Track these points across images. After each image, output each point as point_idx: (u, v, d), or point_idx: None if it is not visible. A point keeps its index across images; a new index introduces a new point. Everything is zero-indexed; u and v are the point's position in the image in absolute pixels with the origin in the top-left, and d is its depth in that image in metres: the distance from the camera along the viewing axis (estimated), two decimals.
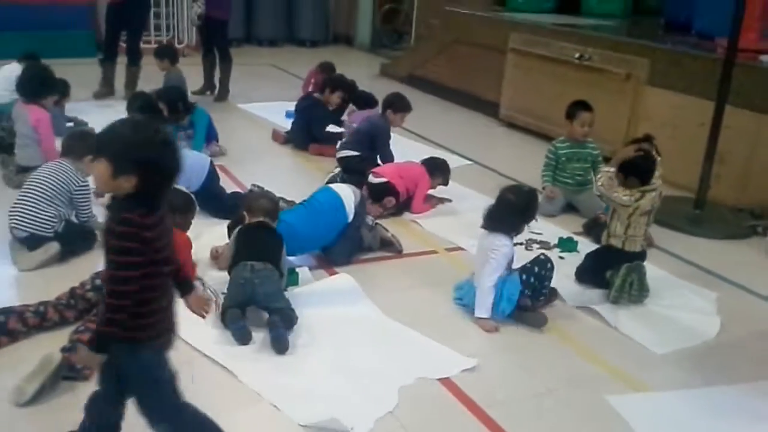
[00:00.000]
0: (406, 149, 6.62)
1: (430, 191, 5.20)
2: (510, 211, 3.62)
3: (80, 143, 4.04)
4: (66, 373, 2.80)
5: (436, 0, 10.30)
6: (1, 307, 3.10)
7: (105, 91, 7.72)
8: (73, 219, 4.05)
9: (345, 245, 4.06)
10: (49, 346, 2.92)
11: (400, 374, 3.04)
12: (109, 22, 7.80)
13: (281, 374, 2.98)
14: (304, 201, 3.99)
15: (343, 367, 3.07)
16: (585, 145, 5.48)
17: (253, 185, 4.92)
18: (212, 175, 4.61)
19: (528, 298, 3.61)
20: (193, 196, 4.12)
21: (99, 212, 4.05)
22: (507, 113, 7.98)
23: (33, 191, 3.92)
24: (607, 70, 6.69)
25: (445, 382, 3.07)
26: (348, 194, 4.04)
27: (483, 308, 3.53)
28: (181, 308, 3.30)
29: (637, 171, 4.00)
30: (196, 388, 2.84)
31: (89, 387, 2.76)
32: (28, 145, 4.89)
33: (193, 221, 3.85)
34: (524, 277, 3.61)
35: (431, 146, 6.90)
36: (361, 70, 10.66)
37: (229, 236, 3.80)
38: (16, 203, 3.94)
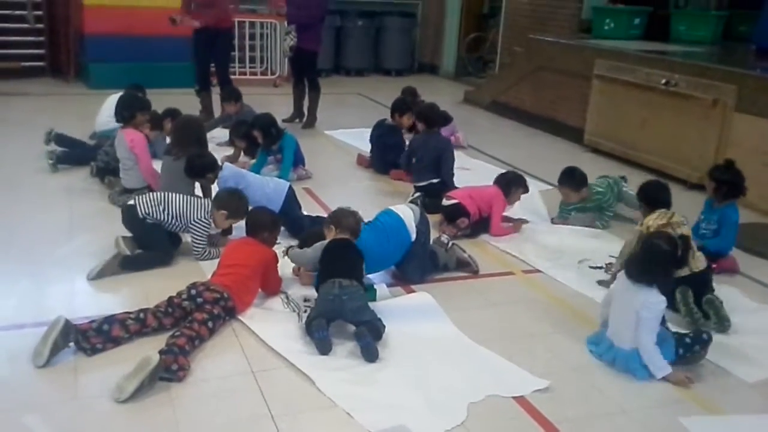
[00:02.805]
0: (489, 174, 6.72)
1: (508, 212, 5.28)
2: (662, 261, 3.38)
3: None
4: (162, 374, 3.03)
5: (521, 28, 10.43)
6: (105, 316, 3.37)
7: (205, 117, 8.12)
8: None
9: (415, 263, 4.18)
10: (149, 349, 3.16)
11: (472, 391, 3.12)
12: (196, 53, 8.32)
13: (355, 384, 3.12)
14: (369, 222, 4.14)
15: (415, 380, 3.17)
16: (584, 206, 5.46)
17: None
18: (290, 200, 4.84)
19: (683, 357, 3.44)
20: None
21: None
22: (592, 139, 7.96)
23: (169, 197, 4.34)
24: (694, 96, 6.61)
25: (518, 397, 3.14)
26: (408, 214, 4.16)
27: (659, 368, 3.31)
28: (266, 323, 3.58)
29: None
30: (277, 392, 3.05)
31: (183, 387, 3.03)
32: (129, 168, 5.27)
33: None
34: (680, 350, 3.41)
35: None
36: (445, 97, 10.83)
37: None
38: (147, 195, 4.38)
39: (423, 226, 4.20)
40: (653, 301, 3.32)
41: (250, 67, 11.17)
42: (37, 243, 4.50)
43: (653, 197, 4.37)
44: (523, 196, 5.40)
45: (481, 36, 12.93)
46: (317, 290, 3.61)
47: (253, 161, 6.24)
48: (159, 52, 9.89)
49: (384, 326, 3.46)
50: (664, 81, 6.86)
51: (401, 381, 3.17)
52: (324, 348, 3.34)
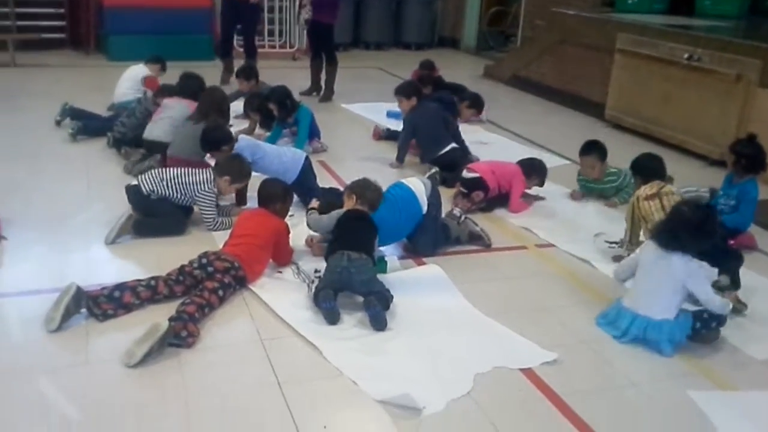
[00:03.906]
0: (506, 149, 6.68)
1: (525, 191, 5.24)
2: (686, 227, 3.35)
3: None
4: (171, 340, 3.07)
5: (544, 1, 10.27)
6: (117, 283, 3.41)
7: (226, 77, 8.37)
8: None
9: (426, 236, 4.17)
10: (159, 316, 3.20)
11: (479, 362, 3.12)
12: (224, 19, 8.53)
13: (362, 354, 3.13)
14: (383, 193, 4.11)
15: (422, 350, 3.18)
16: (601, 182, 5.38)
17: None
18: (306, 170, 4.85)
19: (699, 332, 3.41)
20: None
21: None
22: (613, 114, 7.85)
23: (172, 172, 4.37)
24: (717, 71, 6.49)
25: (525, 369, 3.13)
26: (419, 187, 4.14)
27: (721, 307, 3.35)
28: (276, 292, 3.60)
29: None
30: (284, 360, 3.07)
31: (192, 353, 3.06)
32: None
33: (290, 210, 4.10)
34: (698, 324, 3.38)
35: (529, 146, 6.90)
36: (465, 71, 10.75)
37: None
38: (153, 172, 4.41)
39: (434, 199, 4.18)
40: (693, 267, 3.32)
41: (269, 41, 11.13)
42: (54, 211, 4.55)
43: (645, 168, 4.35)
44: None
45: (503, 9, 12.78)
46: (327, 261, 3.61)
47: (269, 134, 6.24)
48: (178, 24, 9.92)
49: (392, 296, 3.46)
50: (686, 55, 6.74)
51: (408, 351, 3.18)
52: (332, 318, 3.35)
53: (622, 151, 6.61)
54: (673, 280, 3.34)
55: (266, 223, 3.85)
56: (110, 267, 3.88)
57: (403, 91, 6.02)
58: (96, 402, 2.75)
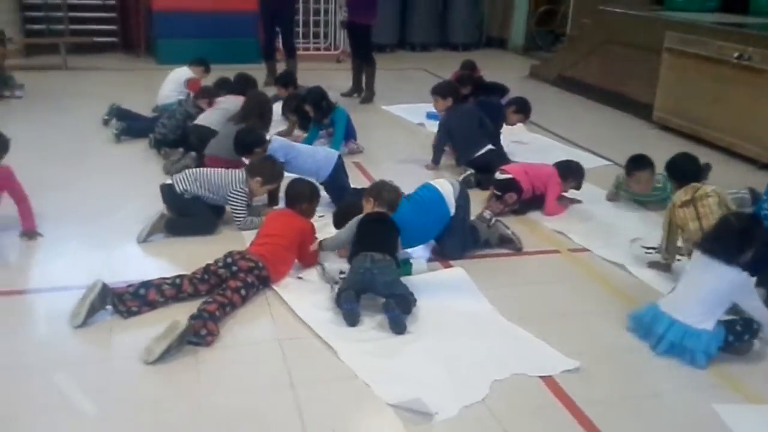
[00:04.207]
0: (545, 149, 6.57)
1: (562, 194, 5.14)
2: (732, 237, 3.29)
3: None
4: (191, 338, 3.10)
5: (593, 0, 10.06)
6: (142, 281, 3.47)
7: (270, 80, 8.46)
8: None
9: (454, 238, 4.12)
10: (183, 314, 3.23)
11: (497, 368, 3.06)
12: (264, 21, 8.72)
13: (378, 357, 3.12)
14: (408, 195, 4.09)
15: (440, 355, 3.14)
16: (647, 195, 5.16)
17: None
18: (339, 169, 4.86)
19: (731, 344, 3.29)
20: (320, 186, 4.52)
21: None
22: (660, 115, 7.64)
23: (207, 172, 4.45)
24: None
25: (545, 377, 3.06)
26: (447, 188, 4.09)
27: None
28: (298, 293, 3.61)
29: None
30: (300, 361, 3.07)
31: (210, 352, 3.09)
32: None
33: (318, 210, 4.11)
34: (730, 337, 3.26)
35: (570, 146, 6.78)
36: (511, 72, 10.61)
37: (336, 222, 4.02)
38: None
39: (463, 201, 4.13)
40: (742, 279, 3.22)
41: (313, 43, 11.21)
42: (92, 209, 4.66)
43: (680, 170, 4.17)
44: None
45: (553, 8, 12.59)
46: (350, 263, 3.60)
47: (306, 135, 6.28)
48: (225, 27, 10.05)
49: (415, 300, 3.44)
50: (736, 55, 6.50)
51: (425, 355, 3.14)
52: (351, 319, 3.34)
53: (669, 154, 6.45)
54: (718, 290, 3.24)
55: (292, 223, 3.87)
56: (140, 265, 3.94)
57: (439, 91, 5.96)
58: (113, 398, 2.80)
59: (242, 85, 6.23)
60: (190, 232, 4.31)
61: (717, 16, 8.19)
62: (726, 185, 5.46)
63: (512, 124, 6.38)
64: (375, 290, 3.48)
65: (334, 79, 8.66)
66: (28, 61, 9.57)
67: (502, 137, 6.13)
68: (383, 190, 3.84)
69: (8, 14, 9.74)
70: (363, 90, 8.41)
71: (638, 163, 5.05)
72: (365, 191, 3.94)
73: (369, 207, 3.81)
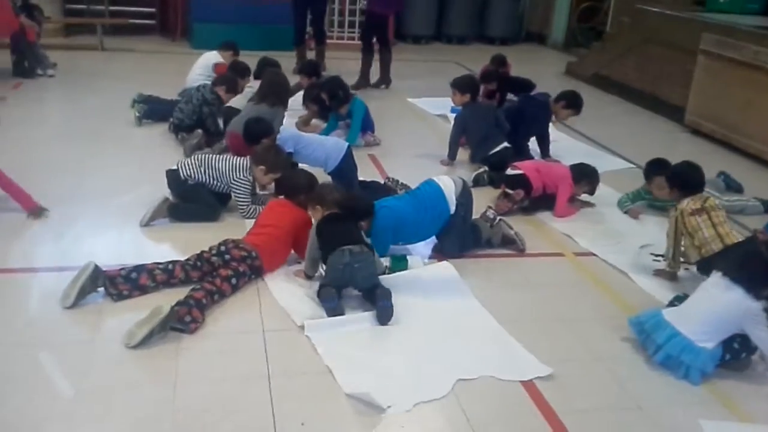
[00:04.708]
0: (569, 148, 6.45)
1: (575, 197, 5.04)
2: (758, 268, 3.19)
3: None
4: (175, 324, 3.13)
5: None
6: (135, 265, 3.51)
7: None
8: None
9: (452, 236, 4.06)
10: (173, 300, 3.25)
11: (465, 368, 3.02)
12: (295, 7, 8.74)
13: (350, 347, 3.11)
14: (410, 190, 4.05)
15: (412, 349, 3.12)
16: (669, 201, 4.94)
17: (388, 178, 5.06)
18: (347, 159, 4.85)
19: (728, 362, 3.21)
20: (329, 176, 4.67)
21: None
22: (692, 119, 7.44)
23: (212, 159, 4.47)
24: None
25: (526, 383, 3.00)
26: (449, 185, 4.03)
27: None
28: (287, 284, 3.61)
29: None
30: (280, 353, 3.08)
31: (193, 339, 3.11)
32: None
33: None
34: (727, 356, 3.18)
35: (594, 147, 6.65)
36: (548, 68, 10.48)
37: None
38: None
39: (464, 199, 4.07)
40: (756, 309, 3.11)
41: (348, 32, 11.17)
42: (102, 191, 4.74)
43: (685, 180, 4.03)
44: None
45: (595, 5, 12.32)
46: (326, 262, 3.50)
47: (324, 125, 6.28)
48: (261, 14, 10.08)
49: (390, 293, 3.41)
50: None
51: (398, 348, 3.14)
52: (335, 316, 3.32)
53: (699, 159, 6.25)
54: (730, 315, 3.14)
55: (288, 214, 3.87)
56: (140, 248, 3.98)
57: (458, 85, 5.86)
58: (90, 380, 2.83)
59: (263, 69, 6.33)
60: (192, 218, 4.34)
61: (758, 20, 7.91)
62: (754, 193, 5.37)
63: (563, 119, 6.15)
64: (355, 284, 3.44)
65: (355, 70, 8.59)
66: (66, 40, 9.77)
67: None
68: (325, 194, 3.77)
69: None
70: (369, 83, 8.35)
71: (657, 167, 4.90)
72: (309, 201, 3.83)
73: (318, 215, 3.74)
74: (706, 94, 7.25)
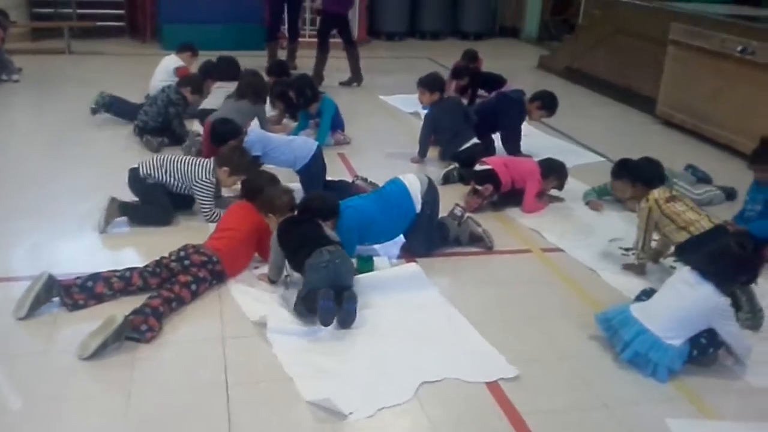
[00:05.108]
0: (541, 141, 6.41)
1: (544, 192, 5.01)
2: (729, 263, 3.14)
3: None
4: (130, 333, 3.04)
5: None
6: (91, 273, 3.41)
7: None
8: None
9: (420, 236, 4.01)
10: (131, 308, 3.17)
11: (429, 371, 2.96)
12: (272, 3, 8.71)
13: (312, 352, 3.04)
14: (376, 190, 4.00)
15: (374, 352, 3.06)
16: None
17: (356, 176, 5.00)
18: (316, 159, 4.77)
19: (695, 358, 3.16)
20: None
21: None
22: (664, 110, 7.44)
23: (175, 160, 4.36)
24: None
25: (490, 384, 2.95)
26: (414, 184, 3.97)
27: (745, 351, 3.18)
28: (250, 289, 3.53)
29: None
30: (240, 361, 3.01)
31: (149, 348, 3.03)
32: None
33: None
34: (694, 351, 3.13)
35: (566, 140, 6.63)
36: (521, 62, 10.45)
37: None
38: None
39: (430, 198, 4.01)
40: (725, 305, 3.08)
41: (310, 29, 11.05)
42: (62, 197, 4.64)
43: (649, 175, 4.06)
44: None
45: None
46: (300, 269, 3.41)
47: (295, 124, 6.21)
48: (230, 13, 9.99)
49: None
50: (740, 48, 6.28)
51: (359, 352, 3.08)
52: (328, 318, 3.14)
53: (670, 150, 6.28)
54: (699, 311, 3.10)
55: (249, 216, 3.79)
56: (98, 256, 3.89)
57: (426, 84, 5.78)
58: (41, 393, 2.75)
59: (228, 68, 6.43)
60: (143, 221, 4.25)
61: (728, 8, 7.94)
62: (724, 182, 5.36)
63: (536, 120, 6.07)
64: (341, 281, 3.32)
65: (338, 67, 8.52)
66: (33, 45, 9.61)
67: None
68: (274, 200, 3.71)
69: None
70: (323, 79, 8.27)
71: (618, 169, 4.76)
72: (260, 209, 3.75)
73: (274, 222, 3.67)
74: (676, 84, 7.25)
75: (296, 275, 3.54)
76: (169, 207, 4.31)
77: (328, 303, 3.20)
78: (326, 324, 3.19)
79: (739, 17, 7.15)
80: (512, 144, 5.82)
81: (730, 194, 5.22)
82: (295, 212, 3.70)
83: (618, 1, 8.64)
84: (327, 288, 3.25)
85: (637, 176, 4.07)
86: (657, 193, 3.90)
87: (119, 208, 4.19)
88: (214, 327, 3.27)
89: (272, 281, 3.62)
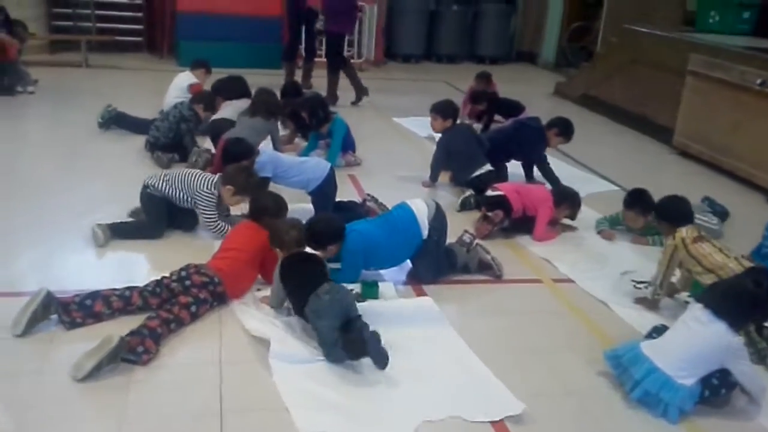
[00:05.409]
0: (556, 170, 6.30)
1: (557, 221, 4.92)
2: (743, 301, 3.04)
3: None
4: (126, 355, 2.97)
5: (624, 18, 9.76)
6: (90, 291, 3.35)
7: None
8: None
9: (426, 262, 3.92)
10: (130, 328, 3.11)
11: (432, 407, 2.86)
12: (290, 20, 8.77)
13: (313, 381, 2.94)
14: (383, 214, 3.92)
15: (377, 386, 2.96)
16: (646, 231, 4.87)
17: (367, 195, 4.93)
18: (329, 181, 4.72)
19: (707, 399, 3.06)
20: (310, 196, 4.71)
21: None
22: (681, 140, 7.34)
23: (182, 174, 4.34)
24: None
25: (495, 423, 2.84)
26: (422, 209, 3.90)
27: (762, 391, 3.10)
28: (254, 312, 3.46)
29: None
30: (236, 387, 2.93)
31: (145, 371, 2.96)
32: None
33: None
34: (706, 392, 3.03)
35: (580, 168, 6.54)
36: (537, 88, 10.39)
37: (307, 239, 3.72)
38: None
39: (437, 223, 3.93)
40: (738, 344, 3.00)
41: None
42: (69, 211, 4.59)
43: (676, 214, 3.92)
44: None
45: (586, 25, 12.29)
46: (298, 313, 3.29)
47: (305, 144, 6.18)
48: (248, 31, 10.00)
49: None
50: (759, 81, 6.19)
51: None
52: (383, 362, 2.96)
53: (686, 181, 6.18)
54: (712, 349, 3.00)
55: (255, 237, 3.72)
56: (100, 273, 3.83)
57: (440, 110, 5.68)
58: (34, 414, 2.68)
59: (236, 86, 6.49)
60: (133, 235, 4.24)
61: (747, 40, 7.84)
62: (742, 217, 5.26)
63: (553, 146, 5.96)
64: (350, 310, 3.16)
65: (350, 87, 8.51)
66: (51, 57, 9.67)
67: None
68: (283, 236, 3.50)
69: (36, 9, 9.84)
70: (364, 91, 8.35)
71: (632, 199, 4.81)
72: (270, 243, 3.58)
73: (282, 255, 3.53)
74: (694, 115, 7.16)
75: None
76: (161, 219, 4.29)
77: (379, 346, 3.00)
78: (384, 367, 2.98)
79: (758, 50, 7.05)
80: (550, 174, 5.72)
81: (722, 215, 5.17)
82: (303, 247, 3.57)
83: (636, 30, 8.58)
84: (368, 329, 3.06)
85: (663, 214, 3.95)
86: (685, 232, 3.78)
87: (110, 228, 4.17)
88: (212, 350, 3.19)
89: (273, 306, 3.53)
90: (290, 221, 3.64)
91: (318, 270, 3.34)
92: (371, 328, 3.10)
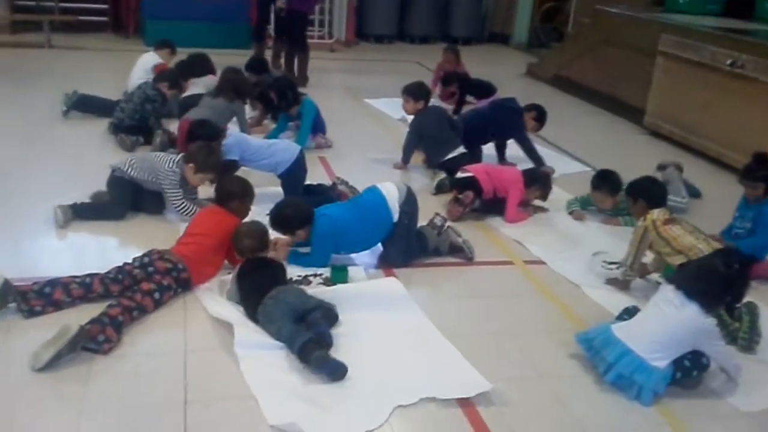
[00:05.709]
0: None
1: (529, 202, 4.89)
2: (714, 283, 3.04)
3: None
4: (86, 344, 2.88)
5: None
6: (49, 279, 3.24)
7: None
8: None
9: (397, 246, 3.86)
10: (90, 316, 3.01)
11: (404, 392, 2.80)
12: (258, 2, 8.61)
13: (281, 371, 2.87)
14: (353, 197, 3.85)
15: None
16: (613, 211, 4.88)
17: (338, 178, 4.85)
18: (298, 163, 4.63)
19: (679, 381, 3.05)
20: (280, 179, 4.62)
21: None
22: (652, 121, 7.35)
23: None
24: (761, 80, 5.92)
25: (465, 406, 2.80)
26: (392, 192, 3.83)
27: (737, 370, 3.10)
28: (217, 297, 3.38)
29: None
30: (200, 376, 2.85)
31: (107, 360, 2.86)
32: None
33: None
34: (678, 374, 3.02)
35: (551, 149, 6.50)
36: (509, 69, 10.34)
37: (273, 225, 3.73)
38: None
39: (408, 207, 3.87)
40: (710, 325, 2.99)
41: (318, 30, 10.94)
42: (28, 196, 4.46)
43: (653, 194, 3.90)
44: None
45: (558, 5, 12.27)
46: (252, 319, 3.19)
47: (274, 125, 6.06)
48: (215, 11, 9.82)
49: (337, 315, 3.21)
50: (729, 61, 6.20)
51: None
52: (339, 374, 2.86)
53: (657, 161, 6.16)
54: (685, 331, 2.99)
55: (220, 222, 3.63)
56: (59, 259, 3.73)
57: (412, 92, 5.57)
58: None
59: (201, 64, 6.44)
60: (96, 216, 4.17)
61: (717, 21, 7.86)
62: (713, 196, 5.27)
63: (528, 131, 5.88)
64: (301, 308, 3.12)
65: (328, 70, 8.38)
66: (12, 38, 9.39)
67: None
68: (243, 239, 3.45)
69: None
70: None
71: (599, 180, 4.81)
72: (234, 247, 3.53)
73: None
74: (665, 95, 7.17)
75: None
76: (125, 201, 4.22)
77: (332, 361, 2.89)
78: (340, 379, 2.85)
79: (729, 30, 7.07)
80: (534, 152, 5.70)
81: (693, 193, 5.25)
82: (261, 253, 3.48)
83: (607, 10, 8.55)
84: (320, 351, 2.91)
85: (638, 194, 3.91)
86: (656, 214, 3.76)
87: (73, 209, 4.09)
88: (176, 338, 3.10)
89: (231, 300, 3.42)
90: (249, 227, 3.54)
91: (273, 278, 3.27)
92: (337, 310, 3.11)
